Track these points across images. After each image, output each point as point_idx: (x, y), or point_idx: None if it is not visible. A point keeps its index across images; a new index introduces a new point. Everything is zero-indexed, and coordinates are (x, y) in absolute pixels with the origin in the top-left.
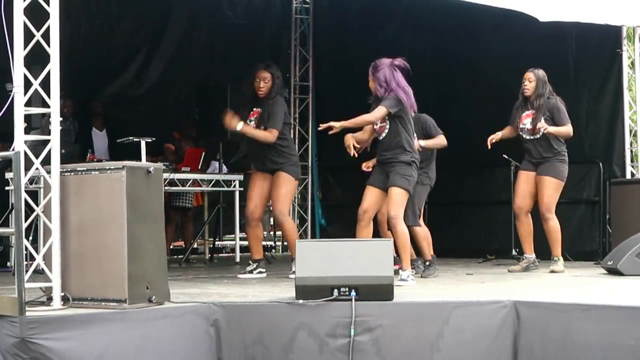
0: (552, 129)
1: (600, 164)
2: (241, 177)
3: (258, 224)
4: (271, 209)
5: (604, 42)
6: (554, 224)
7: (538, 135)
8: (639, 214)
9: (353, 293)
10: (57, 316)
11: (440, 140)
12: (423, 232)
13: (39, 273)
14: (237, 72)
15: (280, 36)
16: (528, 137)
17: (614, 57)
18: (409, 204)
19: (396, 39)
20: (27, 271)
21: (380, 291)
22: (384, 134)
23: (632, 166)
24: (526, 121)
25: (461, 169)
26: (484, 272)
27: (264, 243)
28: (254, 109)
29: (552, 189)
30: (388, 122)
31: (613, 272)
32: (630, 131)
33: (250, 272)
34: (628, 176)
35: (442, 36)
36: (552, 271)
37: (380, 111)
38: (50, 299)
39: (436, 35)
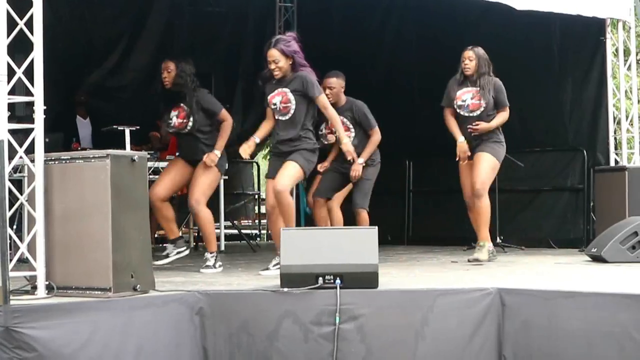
0: (492, 124)
1: (584, 152)
2: (225, 165)
3: (164, 204)
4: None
5: (588, 30)
6: (486, 204)
7: (479, 112)
8: (622, 201)
9: (338, 281)
10: (41, 305)
11: (374, 141)
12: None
13: (23, 262)
14: (221, 61)
15: (264, 24)
16: (466, 114)
17: (598, 45)
18: (364, 186)
19: (381, 27)
20: (11, 260)
21: (365, 279)
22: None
23: (616, 154)
24: (465, 97)
25: (445, 157)
26: (468, 259)
27: (248, 231)
28: (180, 105)
29: (488, 165)
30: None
31: (597, 259)
32: (614, 119)
33: (167, 255)
34: (612, 164)
35: (427, 25)
36: (476, 260)
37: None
38: (34, 287)
39: (421, 24)
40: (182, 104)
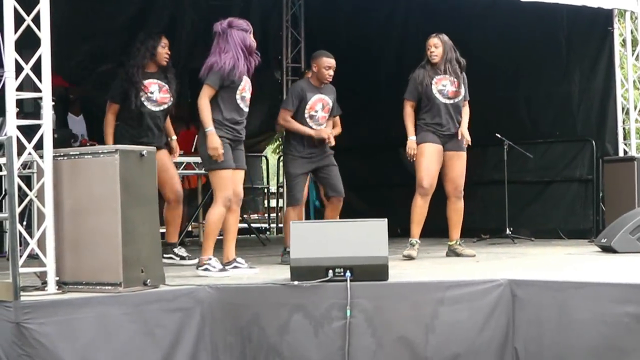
0: (465, 126)
1: (593, 142)
2: None
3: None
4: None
5: (595, 20)
6: (462, 204)
7: (457, 99)
8: (631, 191)
9: (348, 274)
10: (52, 301)
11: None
12: None
13: (33, 258)
14: None
15: (270, 18)
16: (446, 101)
17: (606, 35)
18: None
19: (388, 20)
20: (21, 256)
21: (375, 271)
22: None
23: (625, 144)
24: (445, 83)
25: None
26: (479, 251)
27: (257, 225)
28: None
29: (465, 166)
30: None
31: (607, 249)
32: (623, 109)
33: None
34: (621, 154)
35: (434, 17)
36: (472, 256)
37: None
38: (44, 283)
39: (428, 16)
40: (160, 81)
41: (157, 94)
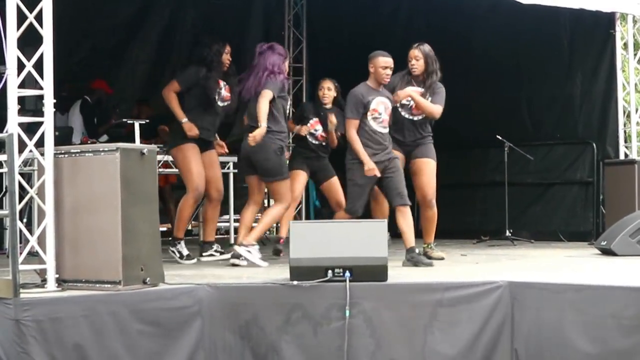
0: (418, 100)
1: (594, 145)
2: (235, 158)
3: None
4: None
5: (597, 23)
6: (436, 210)
7: (420, 117)
8: (632, 194)
9: (347, 274)
10: (51, 298)
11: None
12: None
13: (33, 255)
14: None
15: (272, 17)
16: (408, 117)
17: (608, 38)
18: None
19: (391, 19)
20: (21, 253)
21: (375, 272)
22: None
23: (626, 147)
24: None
25: (454, 150)
26: (478, 253)
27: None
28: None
29: (434, 172)
30: None
31: (607, 252)
32: (624, 112)
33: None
34: (621, 157)
35: (437, 17)
36: (440, 258)
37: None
38: (44, 281)
39: (431, 16)
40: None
41: (223, 92)
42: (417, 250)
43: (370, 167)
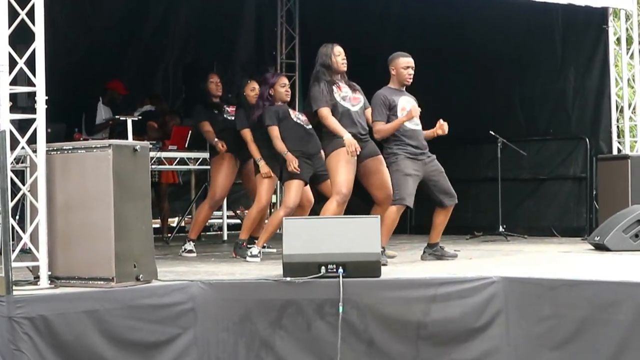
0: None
1: (587, 140)
2: None
3: None
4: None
5: (590, 18)
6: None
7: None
8: (625, 189)
9: (340, 270)
10: (44, 295)
11: None
12: None
13: (26, 252)
14: (222, 51)
15: (265, 14)
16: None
17: (601, 34)
18: None
19: (384, 16)
20: (14, 250)
21: (368, 268)
22: None
23: (619, 142)
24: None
25: (447, 146)
26: (472, 248)
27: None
28: None
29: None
30: None
31: (600, 247)
32: (617, 107)
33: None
34: (615, 152)
35: (429, 13)
36: (391, 256)
37: None
38: (37, 278)
39: (423, 12)
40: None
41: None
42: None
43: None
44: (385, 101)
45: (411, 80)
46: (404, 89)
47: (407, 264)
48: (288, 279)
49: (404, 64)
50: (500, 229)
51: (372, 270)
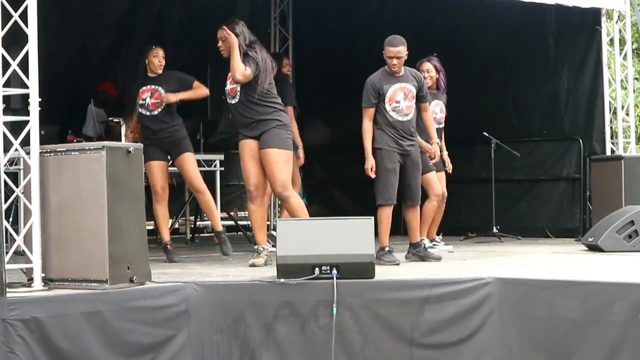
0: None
1: (581, 141)
2: (222, 156)
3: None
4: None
5: (583, 19)
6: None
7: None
8: (618, 190)
9: (334, 271)
10: (38, 297)
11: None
12: None
13: (19, 254)
14: (216, 52)
15: (258, 15)
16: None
17: (594, 35)
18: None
19: (377, 16)
20: (7, 252)
21: (362, 269)
22: None
23: (612, 143)
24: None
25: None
26: (466, 249)
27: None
28: None
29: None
30: None
31: (594, 248)
32: (610, 108)
33: None
34: (608, 153)
35: (423, 13)
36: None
37: None
38: (31, 280)
39: (416, 11)
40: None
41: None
42: (422, 245)
43: (368, 166)
44: (374, 86)
45: (397, 70)
46: (402, 74)
47: (401, 265)
48: (282, 280)
49: (389, 54)
50: (494, 230)
51: (366, 272)
